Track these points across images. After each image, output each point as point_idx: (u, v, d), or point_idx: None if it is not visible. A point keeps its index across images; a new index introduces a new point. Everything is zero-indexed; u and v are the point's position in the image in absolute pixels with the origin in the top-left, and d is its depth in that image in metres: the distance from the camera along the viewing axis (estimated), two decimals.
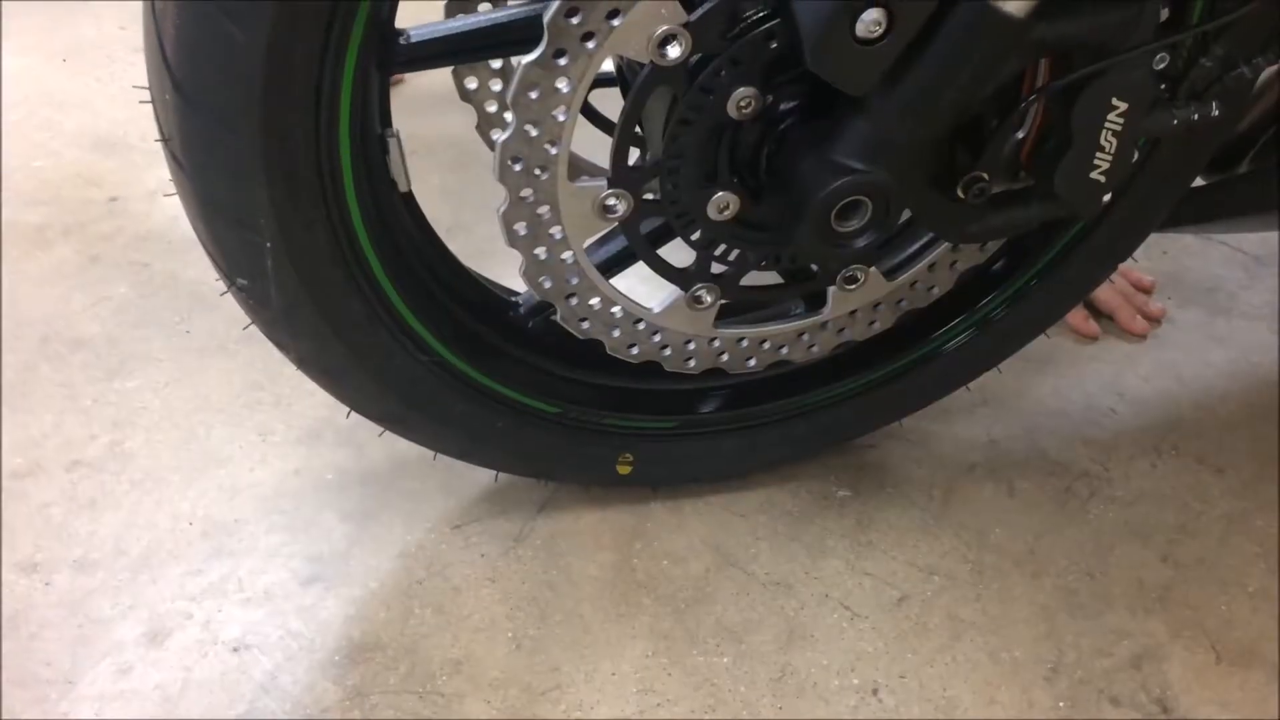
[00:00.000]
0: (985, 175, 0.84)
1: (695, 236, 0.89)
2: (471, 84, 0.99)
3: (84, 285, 1.32)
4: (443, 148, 1.61)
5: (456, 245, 1.45)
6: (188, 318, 1.29)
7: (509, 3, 0.97)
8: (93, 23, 1.89)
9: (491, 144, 1.04)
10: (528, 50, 0.78)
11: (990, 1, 0.70)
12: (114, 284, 1.33)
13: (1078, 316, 1.38)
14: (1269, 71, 0.91)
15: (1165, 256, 1.53)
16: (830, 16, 0.70)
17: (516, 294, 1.00)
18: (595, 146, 1.00)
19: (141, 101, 0.80)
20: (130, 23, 1.90)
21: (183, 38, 0.71)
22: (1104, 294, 1.39)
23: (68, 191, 1.48)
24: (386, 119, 0.86)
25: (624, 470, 1.07)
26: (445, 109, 1.05)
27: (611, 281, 0.91)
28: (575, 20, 0.73)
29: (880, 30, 0.70)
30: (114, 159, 1.55)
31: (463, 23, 0.85)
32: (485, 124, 1.02)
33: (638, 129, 0.84)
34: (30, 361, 1.21)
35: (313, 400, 1.16)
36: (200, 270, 1.20)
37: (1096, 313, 1.40)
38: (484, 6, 0.95)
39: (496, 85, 1.00)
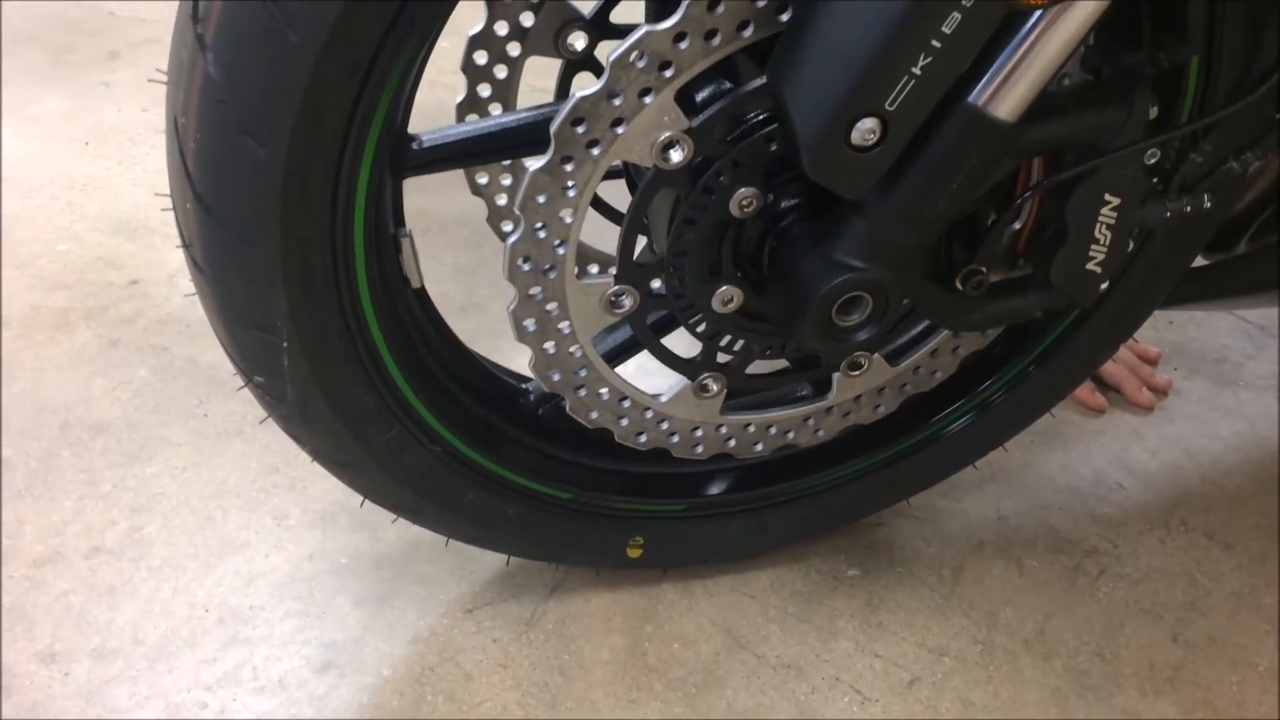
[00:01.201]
0: (983, 268, 0.86)
1: (700, 328, 0.91)
2: (482, 179, 1.02)
3: (105, 370, 1.35)
4: (455, 226, 1.64)
5: (469, 324, 1.49)
6: (206, 401, 1.31)
7: (518, 106, 1.00)
8: (115, 106, 1.94)
9: (502, 235, 1.07)
10: (536, 152, 0.81)
11: (980, 109, 0.73)
12: (134, 368, 1.36)
13: (1084, 389, 1.39)
14: None
15: (1171, 326, 1.54)
16: (826, 126, 0.72)
17: (526, 380, 1.02)
18: (602, 228, 1.03)
19: (165, 208, 0.82)
20: (152, 105, 1.94)
21: (204, 152, 0.74)
22: (1110, 366, 1.40)
23: (90, 275, 1.51)
24: (399, 219, 0.89)
25: (634, 553, 1.08)
26: (459, 187, 1.08)
27: (619, 362, 0.94)
28: (580, 129, 0.76)
29: (875, 139, 0.72)
30: (135, 242, 1.59)
31: (472, 127, 0.88)
32: (495, 216, 1.05)
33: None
34: (52, 448, 1.23)
35: (327, 484, 1.17)
36: (218, 354, 1.22)
37: (1103, 385, 1.41)
38: (494, 108, 0.98)
39: (506, 180, 1.03)
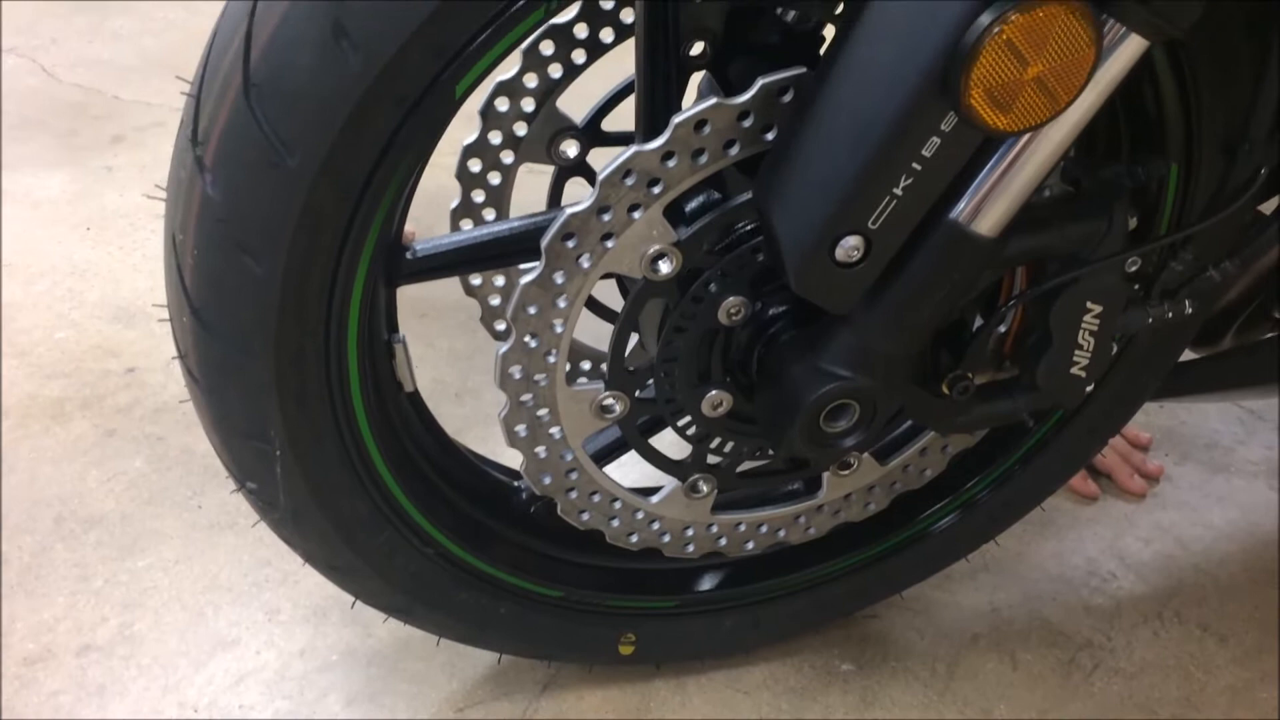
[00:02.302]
0: (969, 374, 0.87)
1: (690, 430, 0.91)
2: (475, 280, 1.04)
3: (100, 460, 1.36)
4: (451, 311, 1.65)
5: (464, 410, 1.50)
6: (200, 492, 1.31)
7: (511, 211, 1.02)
8: (117, 191, 1.96)
9: (495, 334, 1.08)
10: (528, 259, 0.82)
11: (962, 225, 0.74)
12: (129, 459, 1.36)
13: (1076, 476, 1.39)
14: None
15: (1161, 411, 1.55)
16: (810, 244, 0.73)
17: (518, 477, 1.02)
18: (593, 320, 1.04)
19: (161, 319, 0.84)
20: (153, 190, 1.96)
21: (201, 268, 0.76)
22: (1101, 453, 1.41)
23: (88, 363, 1.52)
24: (392, 324, 0.90)
25: (626, 650, 1.08)
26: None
27: (608, 461, 0.94)
28: (571, 243, 0.77)
29: (859, 255, 0.74)
30: (133, 329, 1.60)
31: (465, 236, 0.90)
32: (489, 316, 1.06)
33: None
34: (45, 542, 1.23)
35: (319, 578, 1.16)
36: None
37: (1095, 472, 1.42)
38: (488, 212, 1.00)
39: (499, 280, 1.04)
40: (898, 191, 0.71)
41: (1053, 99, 0.66)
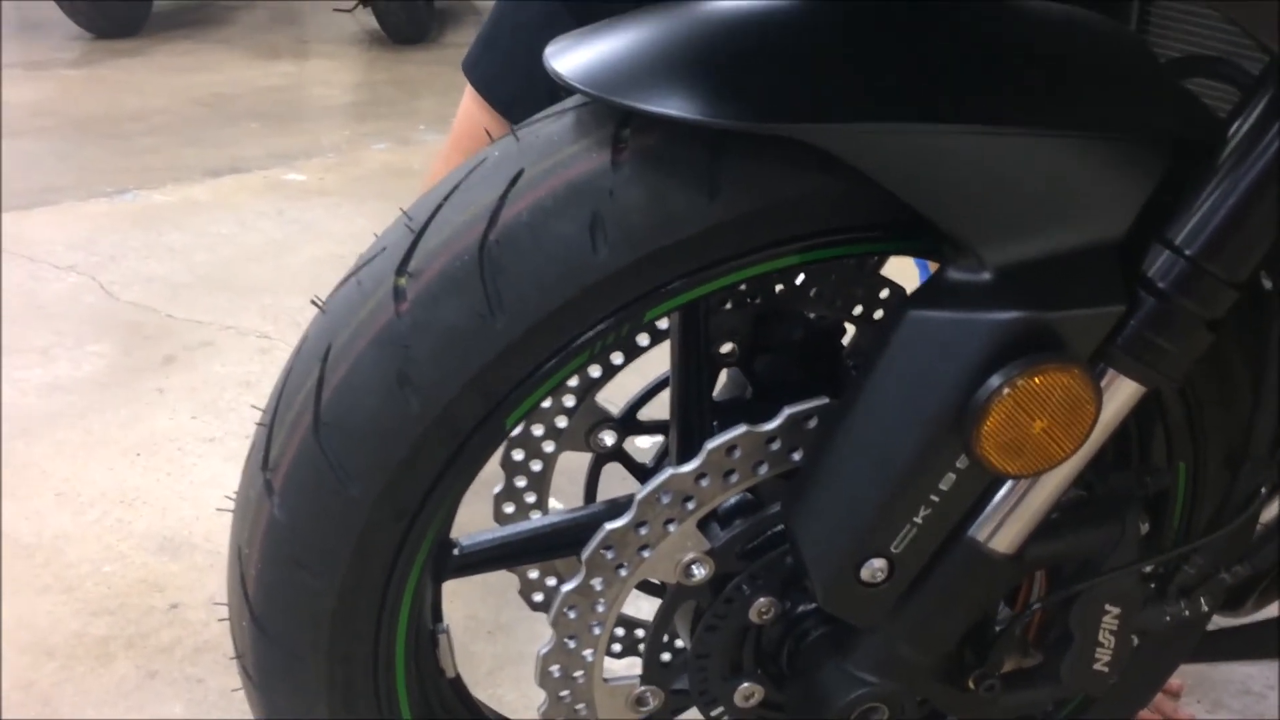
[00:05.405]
0: (994, 672, 0.90)
1: None
2: None
3: (141, 705, 1.38)
4: None
5: (496, 648, 1.52)
6: None
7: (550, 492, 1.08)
8: (168, 414, 2.05)
9: (532, 605, 1.12)
10: (567, 554, 0.87)
11: (980, 543, 0.79)
12: (169, 703, 1.39)
13: None
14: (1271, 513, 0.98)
15: None
16: (836, 566, 0.78)
17: None
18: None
19: (208, 525, 0.88)
20: (202, 412, 2.05)
21: (263, 579, 0.81)
22: None
23: (133, 599, 1.57)
24: (437, 614, 0.95)
25: None
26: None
27: None
28: (609, 554, 0.82)
29: (883, 576, 0.78)
30: (178, 561, 1.65)
31: (508, 532, 0.95)
32: (527, 589, 1.10)
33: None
34: None
35: None
36: None
37: None
38: (529, 495, 1.05)
39: None
40: (917, 520, 0.76)
41: (1059, 447, 0.72)
